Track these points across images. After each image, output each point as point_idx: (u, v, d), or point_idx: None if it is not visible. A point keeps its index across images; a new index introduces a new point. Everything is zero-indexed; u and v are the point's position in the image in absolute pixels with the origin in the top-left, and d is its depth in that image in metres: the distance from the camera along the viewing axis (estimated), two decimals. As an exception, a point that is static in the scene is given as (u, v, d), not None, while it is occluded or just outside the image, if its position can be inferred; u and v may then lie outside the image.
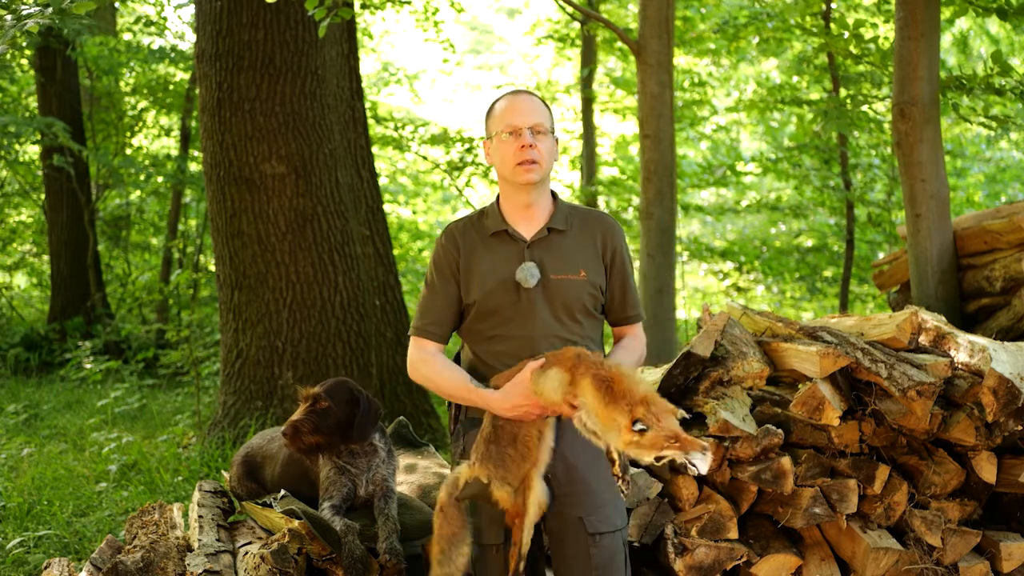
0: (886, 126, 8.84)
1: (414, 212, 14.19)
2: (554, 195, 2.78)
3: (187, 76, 11.02)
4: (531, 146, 2.61)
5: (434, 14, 9.29)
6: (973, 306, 4.73)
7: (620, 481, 2.48)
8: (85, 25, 9.17)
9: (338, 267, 5.61)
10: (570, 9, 9.15)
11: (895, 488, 3.01)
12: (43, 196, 10.66)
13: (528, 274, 2.62)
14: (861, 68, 7.70)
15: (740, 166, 11.87)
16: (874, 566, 2.92)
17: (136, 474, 5.22)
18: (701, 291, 14.66)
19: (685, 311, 12.95)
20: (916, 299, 4.77)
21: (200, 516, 3.09)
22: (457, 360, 2.77)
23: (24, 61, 10.95)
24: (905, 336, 3.07)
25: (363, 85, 6.41)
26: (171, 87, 11.09)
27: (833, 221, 11.83)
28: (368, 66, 14.85)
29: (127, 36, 12.21)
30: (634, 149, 13.74)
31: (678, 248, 10.83)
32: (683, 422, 2.95)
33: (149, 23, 11.52)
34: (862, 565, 2.94)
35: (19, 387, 8.20)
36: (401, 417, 3.90)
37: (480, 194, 14.07)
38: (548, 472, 2.46)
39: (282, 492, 3.10)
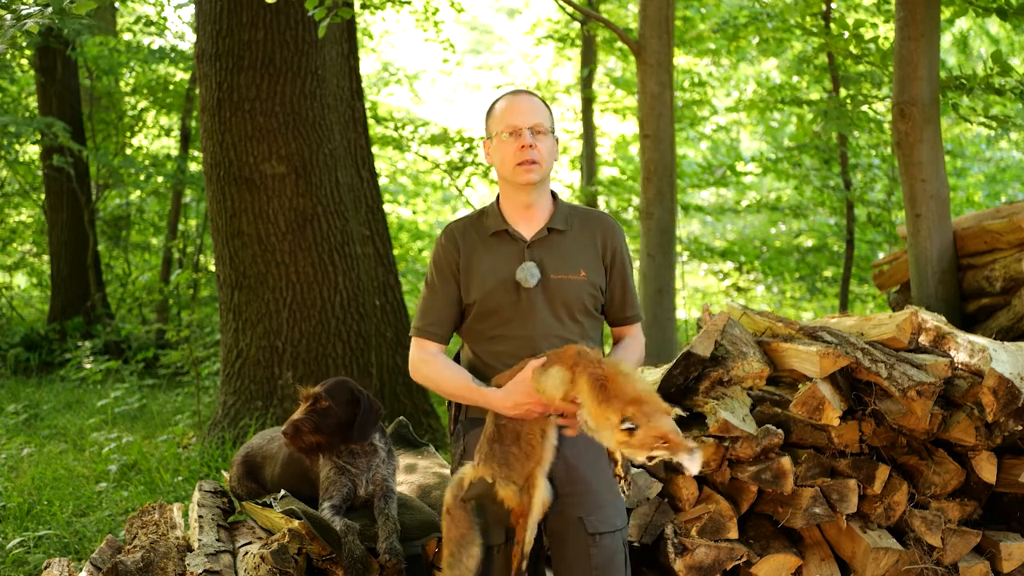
0: (886, 126, 8.84)
1: (414, 212, 14.19)
2: (554, 195, 2.79)
3: (187, 76, 11.02)
4: (531, 146, 2.61)
5: (434, 14, 9.29)
6: (973, 306, 4.73)
7: (622, 481, 2.49)
8: (85, 25, 9.17)
9: (338, 267, 5.61)
10: (570, 9, 9.15)
11: (895, 488, 3.01)
12: (43, 196, 10.65)
13: (528, 274, 2.62)
14: (861, 68, 7.70)
15: (740, 166, 11.87)
16: (874, 566, 2.92)
17: (136, 474, 5.22)
18: (701, 291, 14.66)
19: (685, 311, 12.95)
20: (916, 299, 4.77)
21: (200, 516, 3.09)
22: (457, 360, 2.77)
23: (24, 61, 10.95)
24: (905, 336, 3.07)
25: (363, 85, 6.41)
26: (171, 87, 11.09)
27: (833, 221, 11.83)
28: (368, 66, 14.85)
29: (127, 36, 12.21)
30: (634, 149, 13.74)
31: (678, 248, 10.84)
32: (682, 422, 2.96)
33: (149, 23, 11.53)
34: (862, 565, 2.94)
35: (19, 387, 8.20)
36: (401, 417, 3.90)
37: (480, 194, 14.07)
38: (549, 472, 2.47)
39: (282, 492, 3.10)
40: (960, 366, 3.07)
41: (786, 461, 2.91)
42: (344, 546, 2.72)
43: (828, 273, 11.73)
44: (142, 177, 11.23)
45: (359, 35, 8.90)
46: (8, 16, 3.91)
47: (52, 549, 4.07)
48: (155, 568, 2.73)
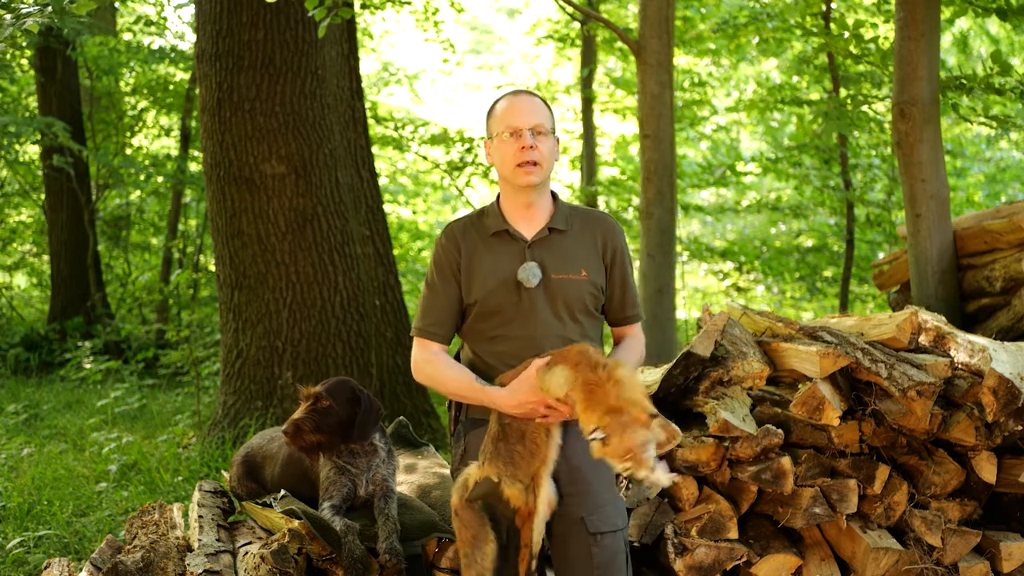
0: (886, 126, 8.84)
1: (414, 212, 14.19)
2: (554, 195, 2.79)
3: (187, 76, 11.02)
4: (532, 147, 2.62)
5: (434, 14, 9.28)
6: (973, 306, 4.73)
7: (623, 482, 2.49)
8: (85, 25, 9.17)
9: (338, 267, 5.61)
10: (570, 9, 9.15)
11: (895, 488, 3.01)
12: (43, 196, 10.65)
13: (530, 274, 2.62)
14: (861, 68, 7.70)
15: (740, 166, 11.86)
16: (874, 566, 2.92)
17: (136, 474, 5.22)
18: (701, 291, 14.66)
19: (685, 311, 12.94)
20: (916, 299, 4.77)
21: (200, 516, 3.09)
22: (457, 360, 2.77)
23: (24, 61, 10.95)
24: (905, 336, 3.07)
25: (363, 85, 6.41)
26: (171, 87, 11.09)
27: (833, 221, 11.83)
28: (368, 66, 14.85)
29: (127, 36, 12.21)
30: (634, 149, 13.74)
31: (678, 248, 10.83)
32: (683, 422, 2.96)
33: (149, 23, 11.53)
34: (862, 565, 2.94)
35: (19, 387, 8.20)
36: (401, 417, 3.90)
37: (480, 194, 14.07)
38: (553, 471, 2.47)
39: (282, 492, 3.10)
40: (960, 366, 3.07)
41: (786, 461, 2.91)
42: (344, 546, 2.72)
43: (828, 273, 11.73)
44: (142, 177, 11.23)
45: (359, 35, 8.90)
46: (7, 16, 3.91)
47: (52, 549, 4.06)
48: (155, 568, 2.73)
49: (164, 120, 12.21)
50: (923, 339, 3.21)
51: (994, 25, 11.36)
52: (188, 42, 12.05)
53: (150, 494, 4.77)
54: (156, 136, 12.62)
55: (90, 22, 9.30)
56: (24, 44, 9.81)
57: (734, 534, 2.89)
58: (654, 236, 5.92)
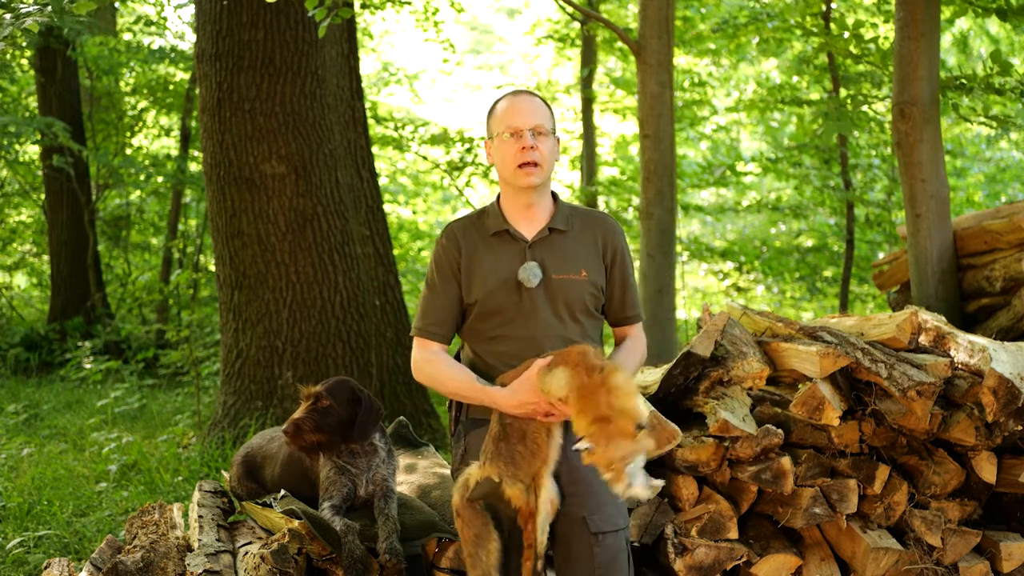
0: (886, 126, 8.84)
1: (414, 212, 14.19)
2: (555, 195, 2.79)
3: (187, 76, 11.02)
4: (532, 147, 2.62)
5: (434, 14, 9.28)
6: (973, 306, 4.73)
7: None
8: (85, 25, 9.17)
9: (338, 267, 5.61)
10: (570, 9, 9.15)
11: (895, 488, 3.01)
12: (43, 196, 10.65)
13: (530, 274, 2.63)
14: (861, 68, 7.70)
15: (740, 166, 11.86)
16: (874, 566, 2.92)
17: (136, 474, 5.22)
18: (701, 291, 14.66)
19: (685, 311, 12.94)
20: (916, 299, 4.77)
21: (200, 516, 3.09)
22: (457, 360, 2.77)
23: (24, 61, 10.95)
24: (905, 336, 3.07)
25: (363, 85, 6.41)
26: (171, 87, 11.09)
27: (833, 221, 11.83)
28: (368, 66, 14.85)
29: (127, 36, 12.21)
30: (634, 149, 13.74)
31: (678, 248, 10.83)
32: (683, 422, 2.96)
33: (149, 23, 11.52)
34: (862, 565, 2.94)
35: (19, 387, 8.20)
36: (401, 417, 3.90)
37: (480, 194, 14.07)
38: (554, 471, 2.47)
39: (282, 492, 3.10)
40: (960, 366, 3.07)
41: (786, 461, 2.91)
42: (344, 546, 2.72)
43: (828, 273, 11.73)
44: (142, 177, 11.22)
45: (359, 35, 8.90)
46: (7, 15, 3.91)
47: (52, 549, 4.06)
48: (155, 568, 2.73)
49: (164, 120, 12.21)
50: (923, 339, 3.21)
51: (994, 25, 11.36)
52: (188, 42, 12.05)
53: (150, 494, 4.77)
54: (156, 136, 12.62)
55: (90, 22, 9.30)
56: (24, 44, 9.81)
57: (734, 534, 2.89)
58: (654, 236, 5.92)
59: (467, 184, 11.37)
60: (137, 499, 4.68)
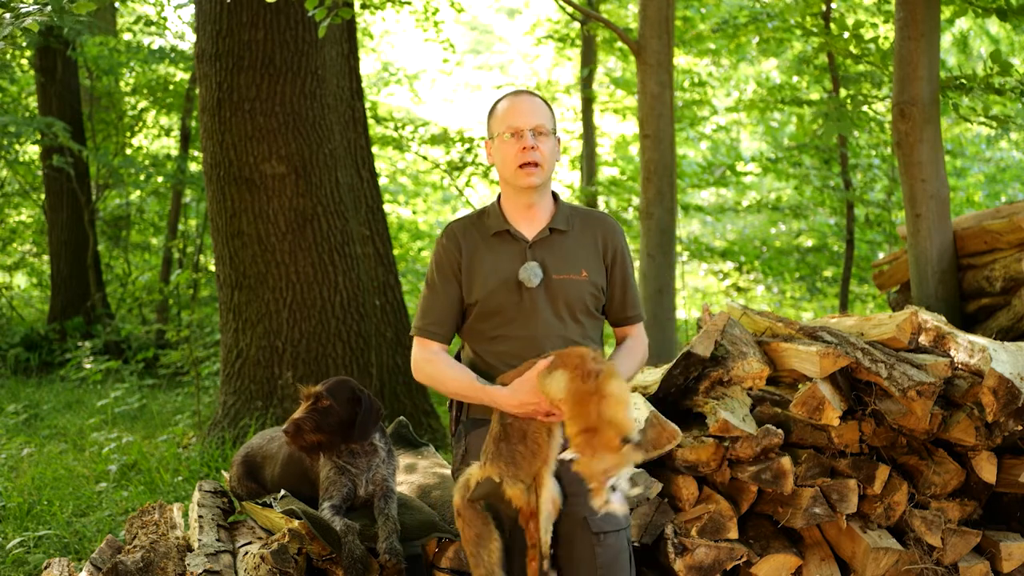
0: (886, 126, 8.84)
1: (414, 212, 14.19)
2: (555, 195, 2.79)
3: (187, 76, 11.02)
4: (533, 148, 2.62)
5: (434, 14, 9.28)
6: (973, 306, 4.73)
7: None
8: (85, 25, 9.17)
9: (338, 267, 5.61)
10: (570, 9, 9.15)
11: (895, 488, 3.01)
12: (43, 196, 10.65)
13: (531, 274, 2.63)
14: (861, 68, 7.70)
15: (740, 166, 11.86)
16: (874, 566, 2.93)
17: (136, 474, 5.22)
18: (701, 291, 14.66)
19: (685, 311, 12.94)
20: (916, 299, 4.77)
21: (200, 516, 3.09)
22: (457, 360, 2.77)
23: (24, 61, 10.95)
24: (905, 336, 3.07)
25: (363, 85, 6.41)
26: (171, 87, 11.09)
27: (833, 221, 11.83)
28: (368, 66, 14.85)
29: (127, 36, 12.21)
30: (634, 149, 13.74)
31: (678, 248, 10.83)
32: (683, 422, 2.96)
33: (149, 23, 11.52)
34: (862, 565, 2.94)
35: (19, 387, 8.20)
36: (401, 417, 3.90)
37: (480, 194, 14.07)
38: (555, 472, 2.47)
39: (282, 492, 3.10)
40: (960, 366, 3.07)
41: (786, 461, 2.91)
42: (344, 546, 2.72)
43: (828, 273, 11.73)
44: (142, 177, 11.23)
45: (359, 35, 8.90)
46: (7, 15, 3.91)
47: (52, 549, 4.06)
48: (155, 568, 2.73)
49: (164, 120, 12.21)
50: (923, 339, 3.21)
51: (994, 25, 11.36)
52: (188, 42, 12.05)
53: (150, 494, 4.77)
54: (156, 136, 12.62)
55: (90, 22, 9.30)
56: (24, 44, 9.81)
57: (734, 534, 2.89)
58: (654, 236, 5.92)
59: (467, 184, 11.37)
60: (137, 499, 4.68)
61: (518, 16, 19.34)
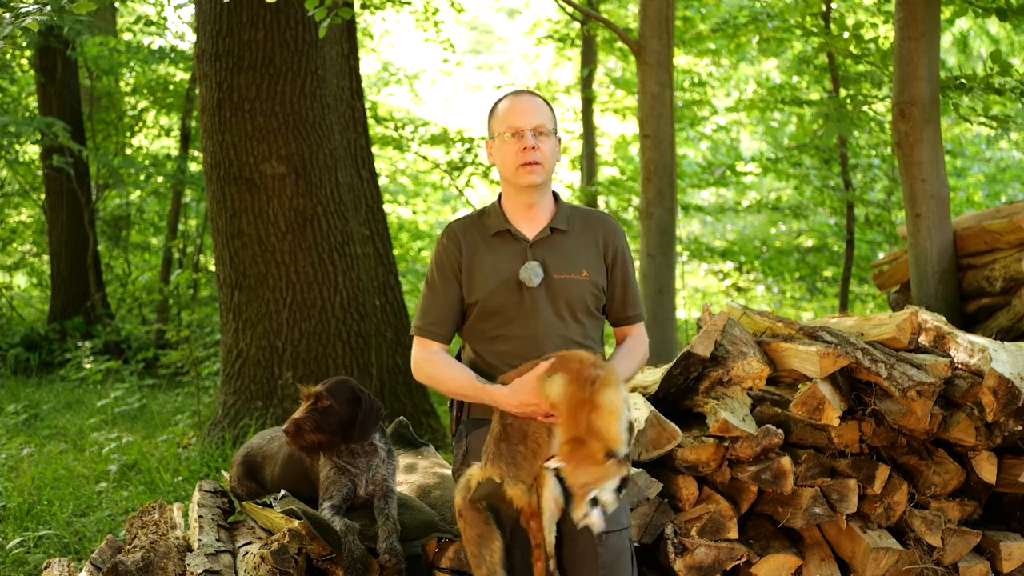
0: (886, 126, 8.84)
1: (414, 212, 14.19)
2: (555, 195, 2.79)
3: (187, 76, 11.02)
4: (533, 147, 2.62)
5: (434, 14, 9.28)
6: (973, 306, 4.73)
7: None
8: (85, 25, 9.17)
9: (338, 267, 5.61)
10: (570, 9, 9.15)
11: (895, 488, 3.01)
12: (43, 196, 10.65)
13: (532, 273, 2.63)
14: (861, 68, 7.70)
15: (740, 166, 11.86)
16: (874, 566, 2.93)
17: (136, 474, 5.22)
18: (701, 291, 14.66)
19: (685, 311, 12.94)
20: (916, 299, 4.77)
21: (200, 516, 3.09)
22: (457, 360, 2.77)
23: (24, 61, 10.95)
24: (905, 336, 3.07)
25: (363, 85, 6.41)
26: (171, 87, 11.09)
27: (833, 221, 11.83)
28: (368, 66, 14.85)
29: (127, 36, 12.21)
30: (634, 149, 13.74)
31: (678, 248, 10.83)
32: (683, 422, 2.96)
33: (149, 23, 11.52)
34: (862, 565, 2.94)
35: (19, 387, 8.20)
36: (401, 417, 3.90)
37: (480, 194, 14.07)
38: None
39: (282, 492, 3.10)
40: (960, 366, 3.07)
41: (786, 461, 2.91)
42: (344, 546, 2.72)
43: (828, 273, 11.73)
44: (142, 177, 11.23)
45: (359, 35, 8.90)
46: (7, 15, 3.91)
47: (52, 549, 4.06)
48: (155, 568, 2.73)
49: (164, 120, 12.21)
50: (923, 339, 3.21)
51: (994, 25, 11.36)
52: (188, 42, 12.05)
53: (150, 494, 4.77)
54: (156, 136, 12.62)
55: (90, 22, 9.30)
56: (24, 44, 9.81)
57: (734, 534, 2.89)
58: (654, 236, 5.92)
59: (467, 184, 11.37)
60: (137, 499, 4.68)
61: (518, 16, 19.34)
